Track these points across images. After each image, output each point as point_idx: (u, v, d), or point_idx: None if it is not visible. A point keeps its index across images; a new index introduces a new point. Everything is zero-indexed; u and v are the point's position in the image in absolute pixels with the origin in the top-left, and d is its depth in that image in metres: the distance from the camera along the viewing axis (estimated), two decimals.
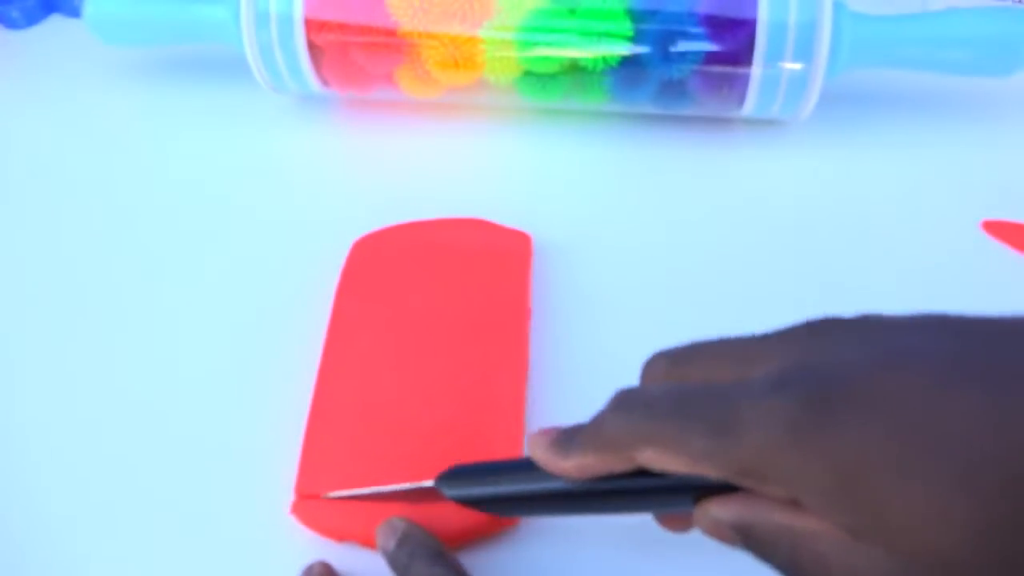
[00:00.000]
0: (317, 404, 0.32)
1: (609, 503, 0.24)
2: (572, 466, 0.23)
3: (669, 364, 0.24)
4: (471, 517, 0.29)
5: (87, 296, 0.38)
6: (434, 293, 0.35)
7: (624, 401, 0.22)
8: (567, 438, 0.24)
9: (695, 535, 0.25)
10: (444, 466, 0.30)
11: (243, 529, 0.30)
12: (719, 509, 0.22)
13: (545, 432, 0.25)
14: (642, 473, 0.23)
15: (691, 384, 0.22)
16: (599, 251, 0.39)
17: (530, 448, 0.25)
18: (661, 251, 0.39)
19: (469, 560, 0.29)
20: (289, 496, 0.31)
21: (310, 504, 0.30)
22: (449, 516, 0.29)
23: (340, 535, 0.29)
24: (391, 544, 0.28)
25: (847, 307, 0.36)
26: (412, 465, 0.30)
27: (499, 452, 0.31)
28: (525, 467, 0.25)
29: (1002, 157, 0.42)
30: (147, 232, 0.41)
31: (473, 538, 0.29)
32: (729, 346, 0.23)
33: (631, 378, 0.34)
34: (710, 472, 0.21)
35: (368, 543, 0.29)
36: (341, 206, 0.41)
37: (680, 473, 0.21)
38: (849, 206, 0.40)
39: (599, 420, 0.23)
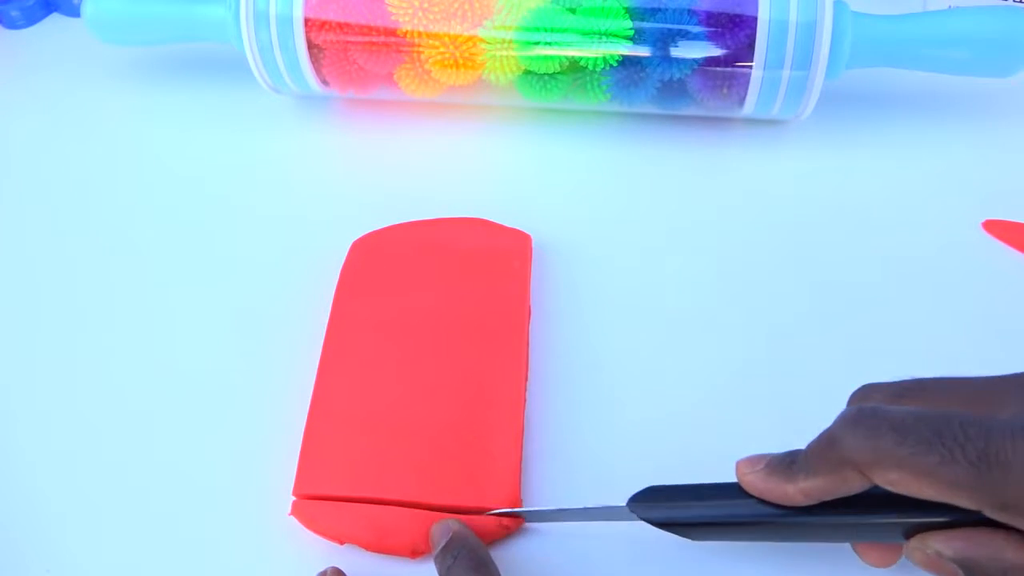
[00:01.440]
0: (316, 404, 0.32)
1: (817, 531, 0.24)
2: (798, 490, 0.23)
3: (890, 396, 0.24)
4: (477, 523, 0.29)
5: (87, 296, 0.38)
6: (434, 293, 0.35)
7: (864, 419, 0.22)
8: (789, 461, 0.23)
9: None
10: (443, 466, 0.30)
11: (243, 530, 0.30)
12: (942, 543, 0.22)
13: (756, 458, 0.24)
14: (856, 503, 0.22)
15: (943, 411, 0.22)
16: (599, 251, 0.39)
17: (741, 476, 0.24)
18: (661, 251, 0.39)
19: None
20: (285, 499, 0.30)
21: (310, 506, 0.30)
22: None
23: (340, 537, 0.29)
24: (440, 542, 0.28)
25: (847, 307, 0.36)
26: (411, 465, 0.30)
27: (498, 451, 0.31)
28: (727, 491, 0.24)
29: (1002, 157, 0.42)
30: (147, 232, 0.41)
31: (484, 543, 0.29)
32: (958, 383, 0.23)
33: (631, 377, 0.34)
34: (964, 502, 0.21)
35: (368, 546, 0.29)
36: (341, 206, 0.41)
37: (923, 498, 0.21)
38: (849, 206, 0.40)
39: (831, 438, 0.22)
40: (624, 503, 0.26)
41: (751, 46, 0.38)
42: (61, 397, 0.35)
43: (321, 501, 0.30)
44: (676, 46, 0.39)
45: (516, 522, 0.29)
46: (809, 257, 0.38)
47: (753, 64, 0.39)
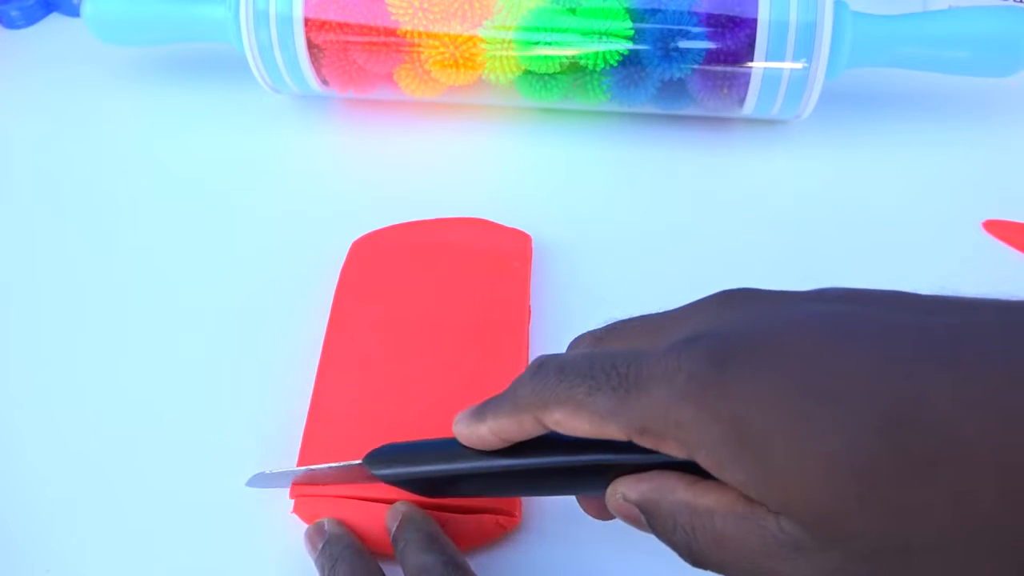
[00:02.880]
0: (316, 403, 0.32)
1: (530, 482, 0.24)
2: (487, 430, 0.23)
3: (592, 339, 0.24)
4: (477, 523, 0.29)
5: (87, 295, 0.38)
6: (434, 292, 0.35)
7: (540, 367, 0.22)
8: (483, 405, 0.24)
9: None
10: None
11: (243, 530, 0.30)
12: (628, 486, 0.22)
13: (465, 410, 0.25)
14: (559, 449, 0.23)
15: (603, 349, 0.23)
16: (599, 251, 0.39)
17: (453, 424, 0.25)
18: (661, 251, 0.39)
19: (469, 559, 0.29)
20: (286, 495, 0.30)
21: (312, 502, 0.30)
22: (456, 523, 0.29)
23: None
24: (392, 527, 0.28)
25: None
26: None
27: None
28: (450, 446, 0.25)
29: (1002, 157, 0.42)
30: (147, 231, 0.41)
31: (478, 544, 0.29)
32: (647, 319, 0.23)
33: None
34: (614, 433, 0.21)
35: (369, 543, 0.29)
36: (341, 206, 0.41)
37: (585, 435, 0.21)
38: (849, 206, 0.40)
39: (514, 385, 0.23)
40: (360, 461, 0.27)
41: (751, 46, 0.38)
42: (61, 397, 0.35)
43: (322, 499, 0.30)
44: (676, 46, 0.39)
45: (512, 521, 0.29)
46: (809, 257, 0.38)
47: (753, 64, 0.39)
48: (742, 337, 0.20)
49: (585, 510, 0.26)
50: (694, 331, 0.21)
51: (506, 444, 0.23)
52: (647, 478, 0.22)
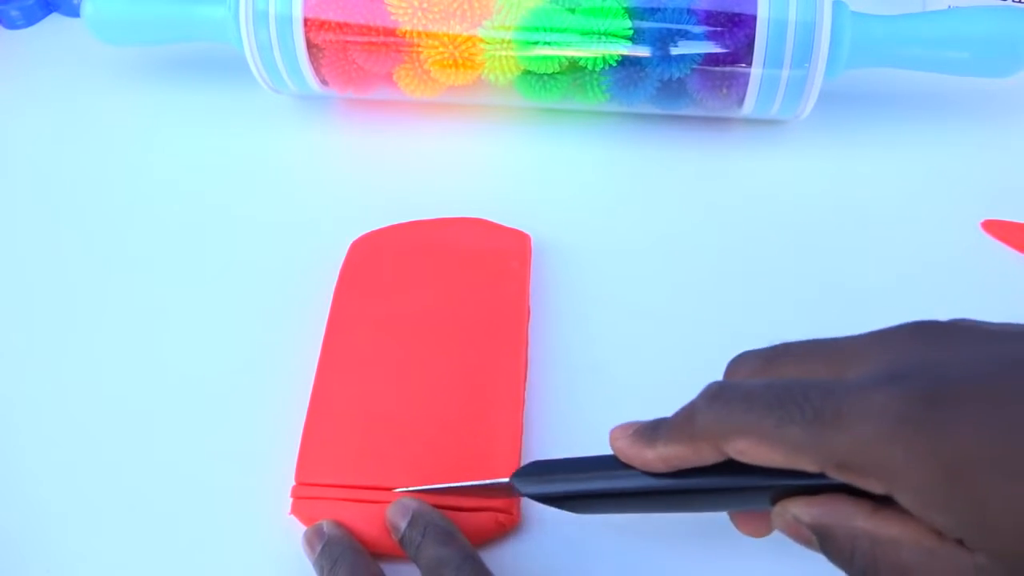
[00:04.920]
0: (316, 403, 0.32)
1: (688, 500, 0.24)
2: (655, 455, 0.23)
3: (761, 362, 0.24)
4: (476, 521, 0.29)
5: (86, 295, 0.38)
6: (433, 292, 0.35)
7: (720, 392, 0.22)
8: (652, 428, 0.24)
9: (700, 532, 0.25)
10: (443, 466, 0.30)
11: (243, 530, 0.30)
12: (800, 509, 0.22)
13: (627, 425, 0.24)
14: (724, 470, 0.22)
15: (791, 379, 0.22)
16: (599, 251, 0.39)
17: (612, 441, 0.24)
18: (661, 251, 0.39)
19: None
20: (286, 494, 0.30)
21: (310, 505, 0.30)
22: (455, 521, 0.29)
23: None
24: (403, 523, 0.28)
25: (847, 307, 0.36)
26: (411, 464, 0.30)
27: (498, 451, 0.31)
28: (604, 463, 0.25)
29: (1002, 157, 0.42)
30: (147, 231, 0.41)
31: (478, 542, 0.29)
32: (823, 345, 0.23)
33: (630, 378, 0.34)
34: (806, 464, 0.20)
35: (369, 545, 0.29)
36: (340, 206, 0.41)
37: (772, 466, 0.21)
38: (849, 206, 0.40)
39: (691, 410, 0.23)
40: (508, 479, 0.26)
41: (750, 46, 0.38)
42: (62, 396, 0.35)
43: (320, 500, 0.30)
44: (675, 46, 0.39)
45: (512, 519, 0.29)
46: (808, 257, 0.38)
47: (752, 64, 0.39)
48: (957, 379, 0.20)
49: (738, 526, 0.25)
50: (893, 367, 0.20)
51: (672, 470, 0.23)
52: (820, 501, 0.22)
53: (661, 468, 0.23)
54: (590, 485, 0.25)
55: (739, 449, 0.21)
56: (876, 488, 0.20)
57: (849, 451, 0.20)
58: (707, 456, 0.22)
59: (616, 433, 0.24)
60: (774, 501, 0.23)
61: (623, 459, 0.24)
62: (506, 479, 0.27)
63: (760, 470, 0.22)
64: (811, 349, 0.23)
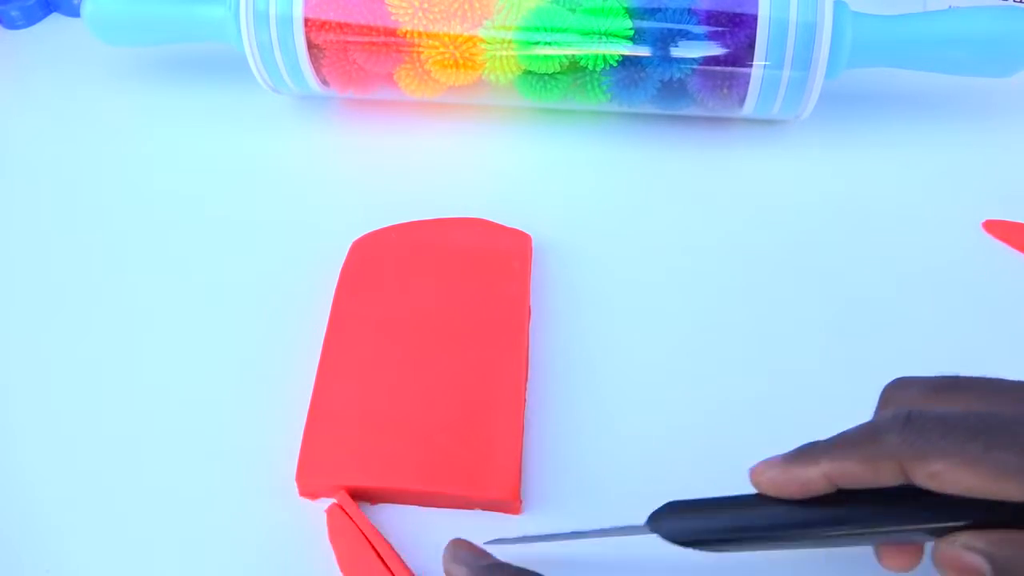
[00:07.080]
0: (316, 403, 0.32)
1: (847, 530, 0.23)
2: (821, 473, 0.22)
3: (927, 391, 0.23)
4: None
5: (87, 295, 0.38)
6: (434, 293, 0.35)
7: (914, 416, 0.22)
8: (807, 450, 0.23)
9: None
10: (443, 466, 0.30)
11: (243, 530, 0.30)
12: (974, 538, 0.21)
13: (770, 459, 0.24)
14: (887, 498, 0.22)
15: (988, 412, 0.22)
16: (599, 251, 0.39)
17: (757, 475, 0.24)
18: (661, 251, 0.39)
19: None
20: (287, 494, 0.30)
21: (345, 524, 0.29)
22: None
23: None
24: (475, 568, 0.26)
25: (847, 307, 0.36)
26: (411, 464, 0.30)
27: (498, 451, 0.31)
28: (747, 500, 0.24)
29: (1003, 157, 0.42)
30: (147, 231, 0.41)
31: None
32: (994, 384, 0.23)
33: (631, 377, 0.34)
34: (1012, 492, 0.20)
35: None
36: (341, 206, 0.41)
37: (965, 492, 0.21)
38: (849, 206, 0.40)
39: (874, 429, 0.22)
40: (643, 522, 0.25)
41: (751, 46, 0.38)
42: (62, 396, 0.35)
43: (355, 529, 0.29)
44: (676, 46, 0.39)
45: (514, 511, 0.30)
46: (809, 257, 0.38)
47: (753, 64, 0.39)
48: None
49: (884, 559, 0.24)
50: None
51: (832, 490, 0.23)
52: (997, 534, 0.21)
53: (822, 488, 0.23)
54: (740, 523, 0.24)
55: (932, 471, 0.21)
56: None
57: None
58: (884, 478, 0.22)
59: (760, 468, 0.24)
60: (937, 533, 0.22)
61: (774, 490, 0.23)
62: (642, 523, 0.25)
63: (926, 505, 0.22)
64: (981, 386, 0.23)
